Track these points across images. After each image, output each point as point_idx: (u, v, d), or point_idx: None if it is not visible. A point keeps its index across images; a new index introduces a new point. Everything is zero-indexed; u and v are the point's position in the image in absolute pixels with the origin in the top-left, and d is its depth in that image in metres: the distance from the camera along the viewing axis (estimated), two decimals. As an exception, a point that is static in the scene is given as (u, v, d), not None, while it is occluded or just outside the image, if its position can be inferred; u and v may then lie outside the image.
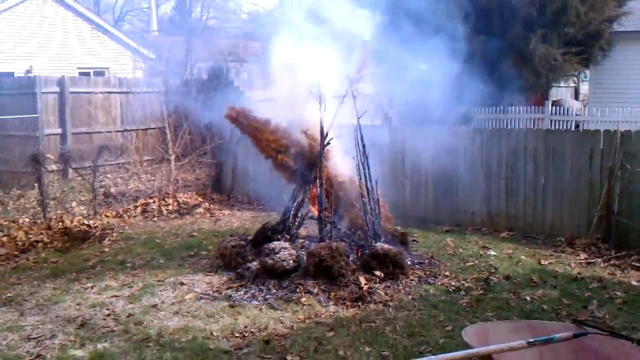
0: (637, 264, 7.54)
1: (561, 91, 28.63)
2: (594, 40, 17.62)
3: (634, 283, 6.91)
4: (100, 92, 15.03)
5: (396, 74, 16.59)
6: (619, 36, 18.41)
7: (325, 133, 7.16)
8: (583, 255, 7.89)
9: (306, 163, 7.35)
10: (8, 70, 21.29)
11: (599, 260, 7.72)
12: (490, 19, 15.99)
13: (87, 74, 22.49)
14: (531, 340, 3.39)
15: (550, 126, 16.97)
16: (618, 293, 6.54)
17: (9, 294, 6.76)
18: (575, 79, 29.31)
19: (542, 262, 7.66)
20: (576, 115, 17.46)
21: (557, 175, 8.76)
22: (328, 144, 7.20)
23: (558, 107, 18.02)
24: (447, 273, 7.16)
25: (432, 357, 3.48)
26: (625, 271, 7.34)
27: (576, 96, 29.91)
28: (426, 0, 15.76)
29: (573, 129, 15.77)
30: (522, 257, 7.89)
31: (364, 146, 7.33)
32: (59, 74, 15.34)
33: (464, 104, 18.54)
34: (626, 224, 8.12)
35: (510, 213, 9.21)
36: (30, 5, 23.36)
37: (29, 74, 19.02)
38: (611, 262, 7.65)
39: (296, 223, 7.43)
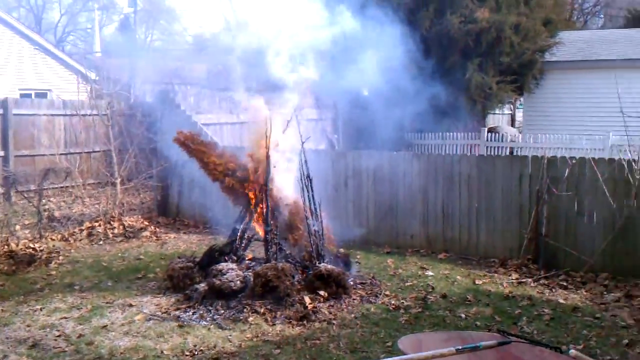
0: (564, 283, 8.07)
1: (498, 118, 29.74)
2: (527, 69, 18.52)
3: (560, 301, 7.40)
4: (44, 115, 14.94)
5: (340, 100, 17.13)
6: (551, 65, 19.39)
7: (269, 157, 7.46)
8: (515, 276, 8.38)
9: (251, 186, 7.62)
10: (-54, 91, 20.91)
11: (530, 280, 8.22)
12: (429, 48, 16.66)
13: (29, 95, 22.23)
14: (459, 347, 3.74)
15: (486, 152, 17.68)
16: (546, 310, 7.01)
17: (-45, 317, 6.78)
18: (512, 106, 30.54)
19: (477, 281, 8.11)
20: (511, 141, 18.24)
21: (490, 199, 9.27)
22: (273, 167, 7.50)
23: (493, 134, 18.80)
24: (387, 292, 7.52)
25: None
26: (554, 290, 7.84)
27: (512, 123, 31.12)
28: (369, 27, 16.41)
29: (507, 154, 16.51)
30: (458, 277, 8.32)
31: (307, 169, 7.65)
32: (0, 94, 15.19)
33: (404, 130, 19.20)
34: (554, 245, 8.67)
35: (447, 236, 9.66)
36: (-31, 26, 23.05)
37: (-32, 95, 18.70)
38: (540, 281, 8.15)
39: (243, 245, 7.68)
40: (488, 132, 19.50)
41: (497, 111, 26.79)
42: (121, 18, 57.13)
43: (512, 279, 8.23)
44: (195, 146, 7.86)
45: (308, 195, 7.60)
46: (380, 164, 10.14)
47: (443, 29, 16.21)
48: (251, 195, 7.72)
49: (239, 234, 7.66)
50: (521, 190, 9.01)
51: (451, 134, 18.46)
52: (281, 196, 7.84)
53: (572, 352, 3.61)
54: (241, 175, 7.73)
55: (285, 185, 7.97)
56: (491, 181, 9.26)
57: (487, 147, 18.04)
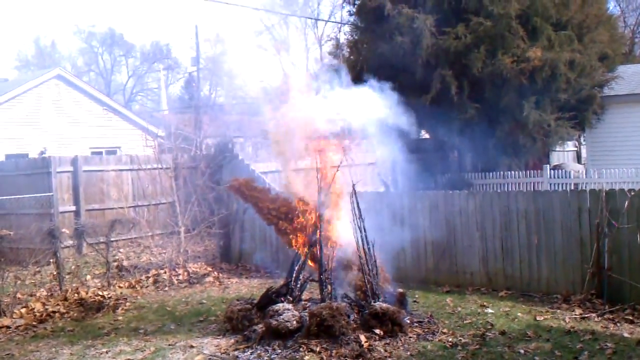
0: (630, 317, 7.85)
1: (563, 155, 29.23)
2: (586, 105, 18.28)
3: (625, 335, 7.20)
4: (112, 170, 15.68)
5: (397, 144, 17.24)
6: (612, 99, 19.13)
7: (321, 200, 7.64)
8: (578, 311, 8.19)
9: (305, 228, 7.79)
10: (23, 152, 22.18)
11: (594, 315, 8.03)
12: (483, 88, 16.69)
13: (100, 153, 23.30)
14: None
15: (550, 189, 17.40)
16: (609, 344, 6.84)
17: (28, 359, 7.15)
18: (577, 142, 29.98)
19: (538, 318, 7.98)
20: (575, 177, 17.91)
21: (549, 234, 9.15)
22: (325, 209, 7.67)
23: (557, 171, 18.50)
24: (445, 330, 7.49)
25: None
26: (618, 324, 7.64)
27: (578, 160, 30.49)
28: (422, 72, 16.63)
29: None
30: (519, 314, 8.20)
31: (359, 211, 7.78)
32: (72, 154, 16.02)
33: (463, 170, 19.15)
34: (618, 279, 8.46)
35: (507, 272, 9.55)
36: (44, 90, 24.48)
37: (43, 155, 19.78)
38: (605, 316, 7.95)
39: (298, 286, 7.82)
40: (553, 169, 19.22)
41: (561, 148, 26.38)
42: (185, 76, 59.46)
43: (575, 314, 8.06)
44: (249, 192, 8.14)
45: (361, 236, 7.71)
46: (436, 203, 10.19)
47: (496, 69, 16.22)
48: (304, 237, 7.89)
49: (294, 275, 7.82)
50: (581, 225, 8.87)
51: (512, 172, 18.28)
52: (335, 238, 7.97)
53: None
54: (294, 218, 7.91)
55: (339, 227, 8.11)
56: (549, 216, 9.16)
57: (550, 184, 17.75)
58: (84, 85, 27.57)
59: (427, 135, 21.85)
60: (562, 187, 17.51)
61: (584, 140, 27.55)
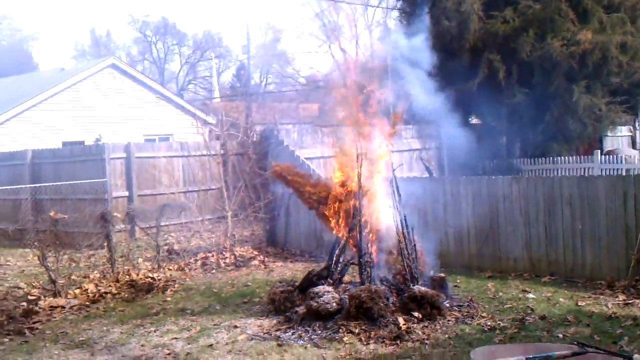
0: (675, 304, 7.75)
1: (617, 140, 28.51)
2: (639, 89, 17.82)
3: (668, 321, 7.13)
4: (163, 156, 16.11)
5: (444, 129, 17.21)
6: (666, 83, 18.57)
7: (361, 184, 7.77)
8: (621, 297, 8.11)
9: (346, 213, 7.94)
10: (79, 139, 22.93)
11: (638, 301, 7.93)
12: (532, 73, 16.46)
13: (153, 140, 23.87)
14: (530, 356, 3.81)
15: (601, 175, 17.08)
16: (650, 330, 6.79)
17: (81, 338, 7.52)
18: (631, 127, 29.19)
19: (580, 303, 7.94)
20: (626, 163, 17.51)
21: (594, 219, 9.06)
22: (365, 194, 7.79)
23: (609, 156, 18.13)
24: (484, 314, 7.54)
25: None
26: (662, 310, 7.55)
27: (633, 145, 29.67)
28: (469, 57, 16.48)
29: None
30: (561, 299, 8.18)
31: (399, 195, 7.88)
32: (126, 141, 16.52)
33: (512, 156, 18.93)
34: (663, 265, 8.35)
35: (550, 258, 9.51)
36: (99, 79, 25.19)
37: (98, 142, 20.41)
38: (649, 302, 7.87)
39: (339, 269, 7.98)
40: (606, 154, 18.83)
41: (615, 133, 25.72)
42: (237, 64, 60.15)
43: (618, 300, 7.99)
44: (291, 177, 8.33)
45: (401, 220, 7.81)
46: (479, 188, 10.19)
47: (545, 53, 15.97)
48: (344, 222, 8.04)
49: (334, 258, 7.98)
50: (626, 210, 8.76)
51: (562, 157, 18.00)
52: (375, 222, 8.09)
53: (636, 356, 3.60)
54: (334, 203, 8.07)
55: (379, 212, 8.23)
56: (594, 201, 9.06)
57: (601, 169, 17.42)
58: (138, 74, 28.23)
59: (476, 121, 21.66)
60: (614, 172, 17.18)
61: (639, 125, 26.85)
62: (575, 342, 4.40)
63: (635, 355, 3.65)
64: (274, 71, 57.57)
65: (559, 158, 17.99)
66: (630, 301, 7.92)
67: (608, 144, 25.22)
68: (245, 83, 43.15)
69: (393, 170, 8.00)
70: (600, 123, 17.26)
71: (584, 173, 17.50)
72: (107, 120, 24.17)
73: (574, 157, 18.00)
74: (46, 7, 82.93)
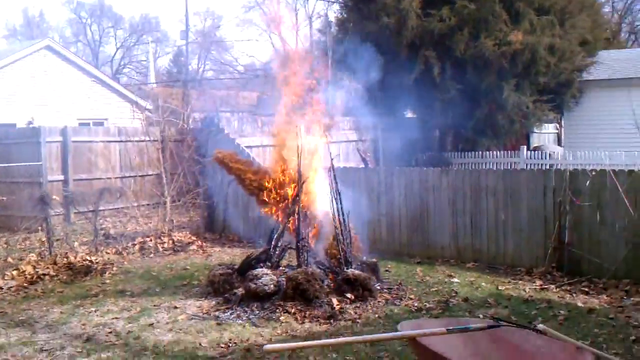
0: (586, 289, 8.40)
1: (544, 137, 29.81)
2: (565, 88, 18.84)
3: (579, 304, 7.76)
4: (101, 141, 16.05)
5: (379, 122, 17.74)
6: (589, 84, 19.69)
7: (300, 172, 8.12)
8: (538, 282, 8.75)
9: (284, 200, 8.29)
10: (10, 121, 22.38)
11: (553, 286, 8.58)
12: (465, 70, 17.15)
13: (87, 124, 23.53)
14: (450, 327, 4.26)
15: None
16: (562, 312, 7.39)
17: (21, 318, 7.62)
18: (557, 125, 30.58)
19: (500, 287, 8.53)
20: (550, 159, 18.47)
21: (516, 211, 9.68)
22: (304, 182, 8.15)
23: (534, 152, 19.07)
24: (412, 296, 8.03)
25: (366, 336, 4.34)
26: (574, 295, 8.19)
27: (559, 142, 31.09)
28: (406, 52, 17.01)
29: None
30: (483, 283, 8.76)
31: (336, 184, 8.26)
32: (60, 124, 16.33)
33: (444, 149, 19.67)
34: (577, 254, 9.02)
35: (475, 246, 10.10)
36: (32, 60, 24.60)
37: (31, 125, 20.02)
38: (563, 287, 8.50)
39: (277, 253, 8.32)
40: (533, 150, 19.79)
41: (542, 130, 26.91)
42: (174, 50, 59.41)
43: (535, 286, 8.61)
44: (233, 164, 8.61)
45: (337, 207, 8.20)
46: (411, 179, 10.69)
47: (478, 52, 16.69)
48: (283, 208, 8.38)
49: (273, 242, 8.31)
50: (546, 202, 9.39)
51: (491, 152, 18.84)
52: (312, 209, 8.46)
53: (540, 326, 4.10)
54: (274, 190, 8.40)
55: (316, 199, 8.60)
56: (516, 194, 9.68)
57: (526, 164, 18.32)
58: (73, 56, 27.66)
59: (410, 114, 22.33)
60: (538, 168, 18.09)
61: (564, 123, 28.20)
62: (491, 318, 4.89)
63: (540, 325, 4.14)
64: (212, 58, 57.20)
65: (487, 152, 18.85)
66: (546, 286, 8.56)
67: (535, 141, 26.41)
68: (183, 69, 42.84)
69: (331, 159, 8.36)
70: (528, 120, 18.16)
71: (511, 167, 18.39)
72: (40, 102, 23.65)
73: (502, 152, 18.89)
74: (-26, -18, 79.58)
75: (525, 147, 19.03)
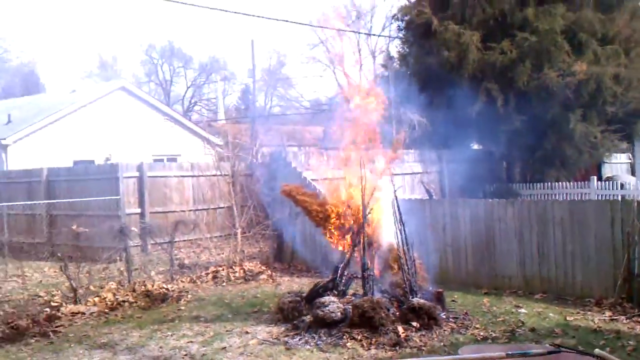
0: (658, 321, 8.29)
1: (616, 167, 29.16)
2: (634, 117, 18.57)
3: (650, 335, 7.68)
4: (175, 176, 16.77)
5: (445, 154, 17.87)
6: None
7: (364, 204, 8.39)
8: (608, 314, 8.66)
9: (350, 231, 8.56)
10: (89, 158, 23.62)
11: (623, 317, 8.48)
12: (529, 101, 17.16)
13: (161, 160, 24.55)
14: (510, 352, 4.41)
15: (597, 200, 17.65)
16: (631, 342, 7.34)
17: (102, 340, 8.11)
18: (630, 155, 29.88)
19: (568, 318, 8.50)
20: (622, 189, 18.12)
21: (583, 241, 9.64)
22: (368, 213, 8.41)
23: (606, 182, 18.74)
24: (477, 326, 8.11)
25: (428, 358, 4.51)
26: (645, 326, 8.10)
27: (632, 172, 30.30)
28: (468, 85, 17.16)
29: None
30: (550, 314, 8.74)
31: (400, 214, 8.49)
32: (135, 161, 17.16)
33: (512, 181, 19.57)
34: (648, 285, 8.91)
35: (543, 276, 10.07)
36: (109, 100, 25.99)
37: (108, 161, 21.07)
38: (633, 319, 8.39)
39: (343, 281, 8.58)
40: (606, 181, 19.46)
41: (615, 160, 26.37)
42: (242, 87, 61.09)
43: (605, 317, 8.53)
44: (299, 197, 8.97)
45: (401, 238, 8.42)
46: (476, 211, 10.78)
47: (541, 83, 16.70)
48: (349, 238, 8.66)
49: (339, 271, 8.58)
50: (614, 232, 9.32)
51: (560, 183, 18.63)
52: (377, 239, 8.70)
53: (597, 351, 4.20)
54: (339, 221, 8.69)
55: (382, 230, 8.84)
56: (584, 224, 9.64)
57: (597, 195, 18.02)
58: (146, 96, 29.04)
59: (477, 146, 22.34)
60: (610, 198, 17.76)
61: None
62: (552, 344, 4.99)
63: (597, 350, 4.25)
64: (279, 94, 58.52)
65: (556, 183, 18.64)
66: (615, 317, 8.47)
67: (607, 171, 25.85)
68: (251, 106, 43.97)
69: (394, 191, 8.60)
70: (596, 150, 17.94)
71: (581, 198, 18.12)
72: (117, 140, 24.86)
73: (571, 182, 18.65)
74: (52, 29, 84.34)
75: (595, 177, 18.73)
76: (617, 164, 28.76)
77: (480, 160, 19.71)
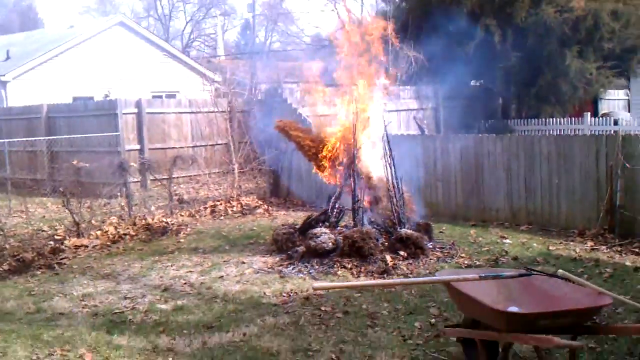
0: (637, 250, 8.62)
1: (613, 103, 29.22)
2: (631, 54, 18.56)
3: (627, 263, 8.03)
4: (173, 112, 16.97)
5: (441, 90, 17.98)
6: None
7: (355, 138, 8.66)
8: (590, 243, 9.03)
9: (341, 164, 8.87)
10: (88, 94, 23.72)
11: (603, 247, 8.86)
12: (526, 37, 17.17)
13: (160, 96, 24.64)
14: (482, 274, 4.75)
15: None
16: (608, 269, 7.72)
17: (105, 271, 8.53)
18: (628, 91, 29.90)
19: (550, 247, 8.88)
20: (615, 125, 18.29)
21: (569, 175, 9.94)
22: (359, 147, 8.69)
23: (600, 119, 18.90)
24: (463, 255, 8.51)
25: (405, 279, 4.86)
26: (624, 255, 8.46)
27: (629, 108, 30.37)
28: (467, 21, 17.13)
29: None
30: (534, 244, 9.13)
31: (390, 149, 8.76)
32: (134, 97, 17.31)
33: (507, 117, 19.75)
34: (630, 216, 9.24)
35: (529, 209, 10.42)
36: (107, 36, 25.89)
37: (107, 97, 21.20)
38: (613, 248, 8.76)
39: (334, 213, 8.93)
40: (602, 117, 19.61)
41: (612, 96, 26.45)
42: (242, 22, 60.39)
43: (586, 246, 8.90)
44: (292, 132, 9.23)
45: (390, 171, 8.72)
46: (467, 145, 11.05)
47: (539, 19, 16.67)
48: (340, 172, 8.96)
49: (331, 204, 8.92)
50: (598, 167, 9.61)
51: (554, 119, 18.79)
52: (368, 173, 9.00)
53: (560, 272, 4.54)
54: (332, 155, 8.97)
55: (372, 163, 9.13)
56: (569, 158, 9.92)
57: (590, 131, 18.19)
58: (145, 31, 28.87)
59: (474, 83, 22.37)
60: (591, 133, 17.96)
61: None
62: (525, 268, 5.33)
63: (560, 271, 4.59)
64: (279, 30, 57.85)
65: (551, 119, 18.80)
66: (596, 247, 8.86)
67: (604, 107, 25.93)
68: (250, 42, 43.71)
69: (385, 126, 8.85)
70: (591, 87, 18.03)
71: (575, 134, 18.31)
72: (115, 76, 24.89)
73: (566, 118, 18.82)
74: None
75: (589, 113, 18.84)
76: (614, 100, 28.81)
77: (477, 97, 19.82)
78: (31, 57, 24.29)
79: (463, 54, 17.16)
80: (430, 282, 4.79)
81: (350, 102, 8.99)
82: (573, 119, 18.77)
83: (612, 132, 17.81)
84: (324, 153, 9.00)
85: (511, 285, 5.02)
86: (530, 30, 17.09)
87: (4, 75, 23.10)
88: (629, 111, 28.93)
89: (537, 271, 5.12)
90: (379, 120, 9.04)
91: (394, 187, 8.64)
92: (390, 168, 8.69)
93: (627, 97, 30.78)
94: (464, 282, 4.83)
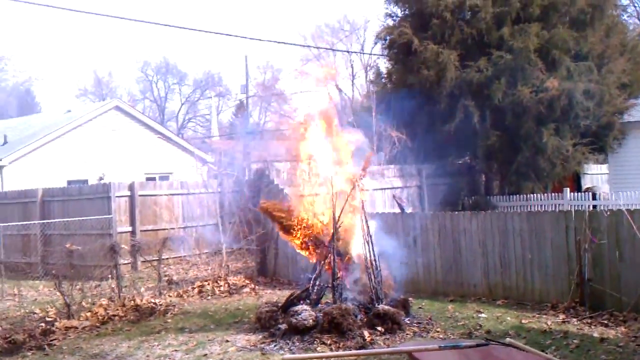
0: (606, 322, 9.00)
1: (597, 178, 29.94)
2: (607, 131, 19.36)
3: (594, 335, 8.39)
4: (165, 194, 17.49)
5: (424, 169, 18.60)
6: (632, 125, 20.08)
7: (335, 219, 9.13)
8: (562, 316, 9.39)
9: (321, 243, 9.30)
10: (83, 177, 24.32)
11: (574, 320, 9.22)
12: (504, 117, 17.95)
13: (153, 178, 25.24)
14: (442, 344, 5.13)
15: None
16: (575, 341, 8.07)
17: (94, 351, 8.81)
18: (608, 165, 30.71)
19: (523, 321, 9.23)
20: (594, 200, 18.85)
21: (541, 250, 10.38)
22: (338, 226, 9.16)
23: (581, 194, 19.48)
24: (438, 329, 8.84)
25: (371, 350, 5.22)
26: (593, 327, 8.82)
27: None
28: (446, 102, 17.93)
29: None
30: (508, 318, 9.47)
31: (368, 227, 9.23)
32: (128, 179, 17.85)
33: (490, 193, 20.34)
34: (599, 289, 9.63)
35: (505, 284, 10.81)
36: (103, 120, 26.71)
37: (102, 180, 21.76)
38: (584, 320, 9.13)
39: (315, 290, 9.30)
40: (585, 192, 20.21)
41: (595, 171, 27.15)
42: (236, 103, 61.91)
43: (558, 319, 9.25)
44: (276, 213, 9.71)
45: (369, 249, 9.16)
46: (444, 223, 11.53)
47: (516, 99, 17.50)
48: (321, 251, 9.39)
49: (312, 282, 9.31)
50: (568, 242, 10.06)
51: (535, 195, 19.37)
52: (347, 252, 9.43)
53: (508, 340, 4.93)
54: (312, 235, 9.43)
55: (353, 242, 9.57)
56: (541, 234, 10.39)
57: (570, 206, 18.73)
58: (140, 115, 29.78)
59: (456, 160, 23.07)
60: (560, 210, 18.47)
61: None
62: (484, 339, 5.71)
63: (507, 339, 4.97)
64: (273, 110, 59.27)
65: (532, 195, 19.39)
66: (567, 319, 9.21)
67: (587, 182, 26.62)
68: (243, 122, 44.70)
69: (362, 205, 9.35)
70: (569, 163, 18.68)
71: (556, 209, 18.85)
72: (110, 159, 25.56)
73: (547, 194, 19.40)
74: (48, 48, 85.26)
75: (568, 189, 19.44)
76: (597, 174, 29.58)
77: (460, 174, 20.47)
78: (28, 142, 25.01)
79: (445, 133, 17.91)
80: (393, 353, 5.17)
81: (329, 183, 9.48)
82: (553, 194, 19.37)
83: (590, 206, 18.44)
84: (305, 232, 9.44)
85: (472, 356, 5.39)
86: (507, 110, 17.88)
87: (1, 160, 23.73)
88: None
89: (493, 341, 5.50)
90: (357, 200, 9.52)
91: (372, 264, 9.05)
92: (369, 245, 9.12)
93: (608, 172, 31.60)
94: (427, 353, 5.21)
